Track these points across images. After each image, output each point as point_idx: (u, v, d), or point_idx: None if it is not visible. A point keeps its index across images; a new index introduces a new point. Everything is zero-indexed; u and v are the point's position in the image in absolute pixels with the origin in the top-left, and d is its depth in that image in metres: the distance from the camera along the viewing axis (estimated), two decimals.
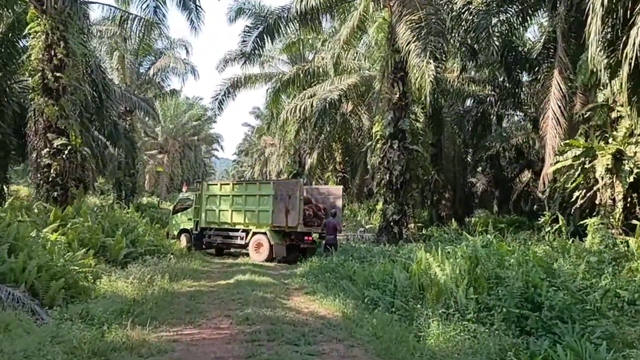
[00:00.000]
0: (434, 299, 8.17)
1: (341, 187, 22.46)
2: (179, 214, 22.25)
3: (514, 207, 40.57)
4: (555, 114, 16.18)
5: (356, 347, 7.07)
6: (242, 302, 9.85)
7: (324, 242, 19.26)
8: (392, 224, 21.49)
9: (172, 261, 15.29)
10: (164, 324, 7.92)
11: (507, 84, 26.88)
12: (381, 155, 21.78)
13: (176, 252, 17.57)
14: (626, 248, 11.20)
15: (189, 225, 21.37)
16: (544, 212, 28.61)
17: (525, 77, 26.86)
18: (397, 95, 21.68)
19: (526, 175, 40.33)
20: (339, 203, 20.13)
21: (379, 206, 23.86)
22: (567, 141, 15.41)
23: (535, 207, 42.81)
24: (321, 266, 14.42)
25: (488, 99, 28.99)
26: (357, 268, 11.79)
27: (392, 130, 21.56)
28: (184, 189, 23.99)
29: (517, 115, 38.43)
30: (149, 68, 35.18)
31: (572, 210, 21.81)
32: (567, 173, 16.16)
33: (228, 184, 21.05)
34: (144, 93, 35.63)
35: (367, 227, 28.99)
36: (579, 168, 15.36)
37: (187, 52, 34.94)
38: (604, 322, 6.44)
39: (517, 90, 26.70)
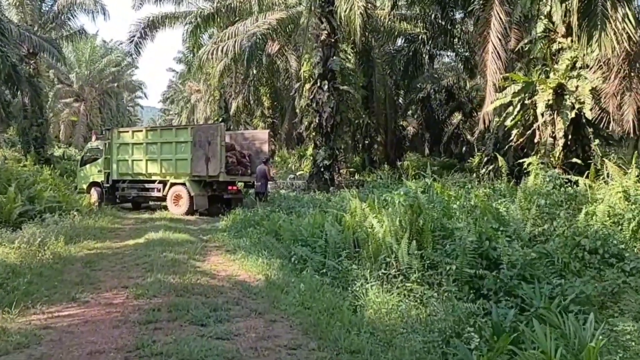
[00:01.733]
0: (372, 257, 6.93)
1: (267, 131, 20.84)
2: (87, 166, 20.00)
3: (444, 149, 40.51)
4: (496, 48, 15.11)
5: (279, 321, 5.75)
6: (147, 268, 8.31)
7: (253, 191, 17.88)
8: (322, 169, 20.29)
9: (77, 219, 13.49)
10: (41, 302, 6.32)
11: (441, 21, 25.69)
12: (310, 97, 20.34)
13: (83, 208, 15.64)
14: (574, 189, 10.35)
15: (100, 178, 19.25)
16: (477, 153, 28.13)
17: (458, 15, 25.72)
18: (326, 32, 20.11)
19: (456, 117, 40.12)
20: (266, 148, 18.56)
21: (309, 151, 22.59)
22: (507, 74, 14.36)
23: (464, 149, 43.03)
24: (245, 219, 13.00)
25: (420, 37, 27.72)
26: (284, 221, 10.42)
27: (321, 70, 20.09)
28: (92, 138, 21.65)
29: (447, 56, 37.65)
30: (53, 4, 31.63)
31: (506, 151, 21.36)
32: (507, 111, 15.27)
33: (141, 130, 18.89)
34: (49, 33, 32.12)
35: (297, 174, 27.67)
36: (519, 105, 14.43)
37: None
38: (576, 281, 5.38)
39: (449, 28, 25.57)
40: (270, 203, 16.39)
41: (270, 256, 8.75)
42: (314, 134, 20.44)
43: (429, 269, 6.51)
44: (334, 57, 20.20)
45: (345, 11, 16.33)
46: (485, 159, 22.40)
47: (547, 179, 10.62)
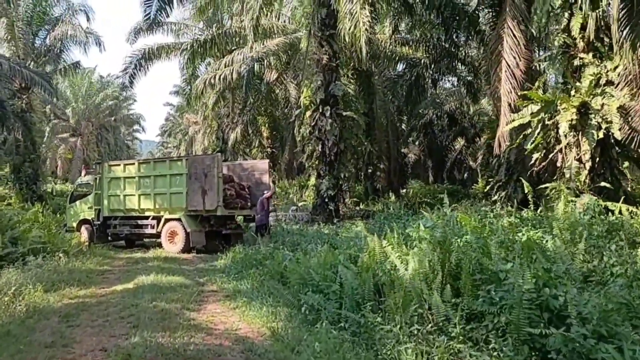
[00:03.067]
0: (400, 307, 5.76)
1: (267, 160, 19.67)
2: (77, 203, 18.77)
3: (447, 176, 39.72)
4: (510, 66, 14.16)
5: None
6: (133, 323, 7.09)
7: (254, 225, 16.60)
8: (327, 200, 19.18)
9: (62, 261, 12.39)
10: None
11: (444, 43, 24.89)
12: (312, 124, 19.34)
13: (71, 248, 14.44)
14: (618, 217, 9.20)
15: (91, 215, 18.02)
16: (481, 179, 26.91)
17: (462, 37, 24.86)
18: (327, 56, 19.22)
19: (459, 142, 39.41)
20: (266, 179, 17.38)
21: (312, 181, 21.52)
22: (525, 92, 13.31)
23: (465, 175, 42.21)
24: (246, 258, 11.80)
25: (422, 61, 26.87)
26: (290, 261, 9.22)
27: (323, 95, 19.11)
28: (82, 173, 20.47)
29: (448, 81, 36.94)
30: (45, 37, 30.81)
31: (518, 176, 20.24)
32: (523, 133, 14.21)
33: (133, 163, 17.71)
34: (42, 67, 31.28)
35: (299, 205, 26.53)
36: (539, 126, 13.38)
37: (88, 18, 30.85)
38: None
39: (453, 50, 24.72)
40: (272, 238, 15.25)
41: (276, 304, 7.56)
42: (316, 162, 19.38)
43: (469, 321, 5.36)
44: (336, 82, 19.26)
45: (349, 29, 15.37)
46: (497, 185, 21.29)
47: (586, 207, 9.52)
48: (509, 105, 14.12)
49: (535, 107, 13.46)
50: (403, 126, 34.67)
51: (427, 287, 5.80)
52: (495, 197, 20.55)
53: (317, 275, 7.41)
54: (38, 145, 32.50)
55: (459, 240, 6.65)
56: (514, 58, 14.04)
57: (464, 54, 25.72)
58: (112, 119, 65.49)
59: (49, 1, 30.68)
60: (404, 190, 30.60)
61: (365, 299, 6.34)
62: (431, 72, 27.42)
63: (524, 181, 12.58)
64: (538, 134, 13.37)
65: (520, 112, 14.08)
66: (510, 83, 14.09)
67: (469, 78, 29.03)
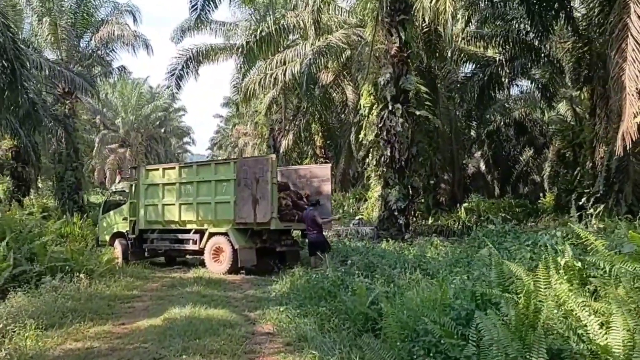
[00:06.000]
0: None
1: (329, 165, 16.90)
2: (111, 213, 16.51)
3: (512, 189, 37.06)
4: (638, 42, 11.17)
5: None
6: None
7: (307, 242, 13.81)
8: (396, 213, 16.43)
9: (84, 283, 10.09)
10: None
11: (524, 37, 21.86)
12: (379, 125, 16.70)
13: (100, 266, 12.15)
14: None
15: (125, 228, 15.74)
16: (564, 191, 23.59)
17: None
18: (397, 45, 16.58)
19: (527, 153, 36.60)
20: (328, 187, 14.62)
21: (373, 192, 18.90)
22: None
23: (526, 188, 39.18)
24: (309, 284, 9.06)
25: (498, 58, 23.86)
26: (377, 296, 6.47)
27: (394, 91, 16.43)
28: (117, 179, 18.22)
29: (517, 86, 33.67)
30: (90, 39, 29.23)
31: (621, 187, 17.72)
32: None
33: (173, 167, 15.12)
34: (87, 70, 29.69)
35: (357, 218, 23.85)
36: None
37: (135, 19, 29.24)
38: None
39: (537, 44, 21.65)
40: (336, 256, 12.46)
41: None
42: (384, 169, 16.62)
43: None
44: (407, 76, 16.53)
45: (430, 1, 12.68)
46: (593, 197, 18.45)
47: None
48: (638, 91, 11.12)
49: None
50: (473, 133, 31.60)
51: None
52: (591, 210, 17.76)
53: (436, 327, 4.64)
54: (81, 153, 30.88)
55: None
56: None
57: (548, 48, 22.57)
58: (162, 130, 64.99)
59: (94, 1, 29.30)
60: (468, 204, 27.68)
61: None
62: (507, 70, 24.37)
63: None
64: None
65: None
66: None
67: (543, 80, 26.15)
